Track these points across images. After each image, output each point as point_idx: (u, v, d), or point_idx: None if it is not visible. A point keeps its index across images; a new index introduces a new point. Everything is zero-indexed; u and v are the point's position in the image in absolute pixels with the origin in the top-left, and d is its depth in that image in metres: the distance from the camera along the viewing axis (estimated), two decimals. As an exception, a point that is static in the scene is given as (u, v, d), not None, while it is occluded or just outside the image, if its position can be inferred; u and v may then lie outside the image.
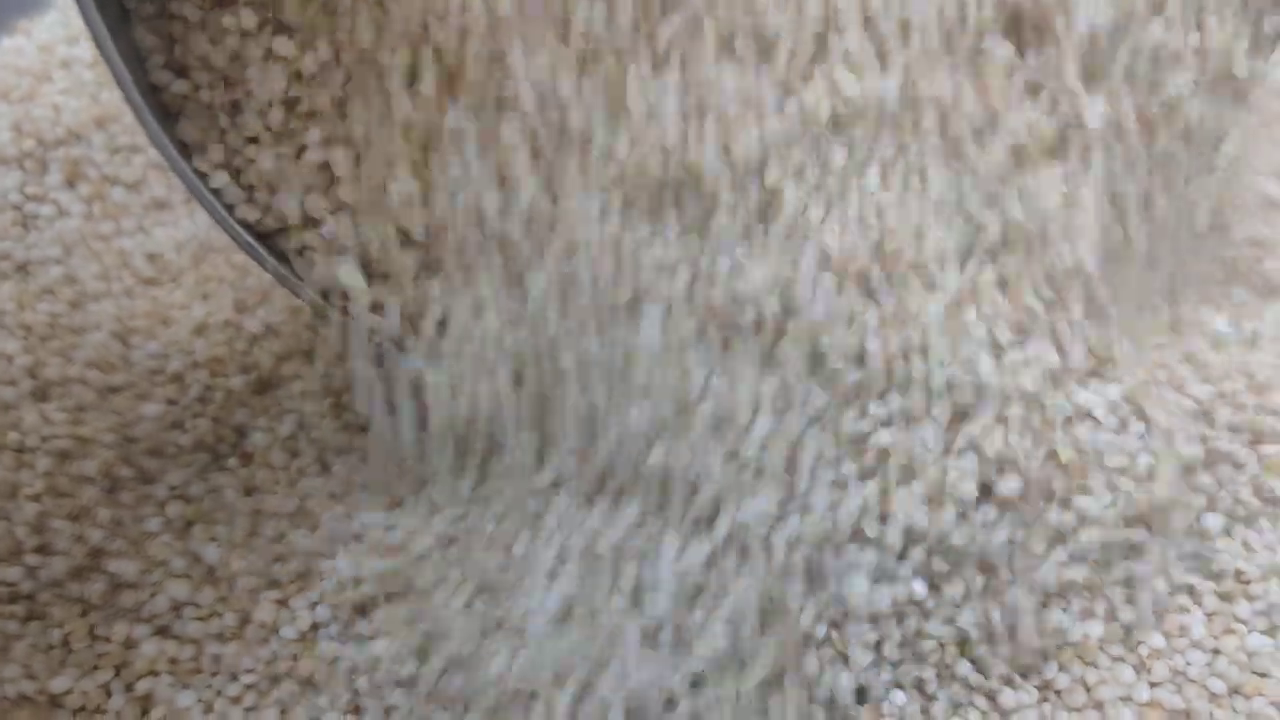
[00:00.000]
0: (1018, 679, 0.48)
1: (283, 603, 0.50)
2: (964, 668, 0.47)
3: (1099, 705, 0.48)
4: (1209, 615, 0.50)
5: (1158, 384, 0.51)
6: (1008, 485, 0.45)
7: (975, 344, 0.45)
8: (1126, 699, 0.48)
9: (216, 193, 0.45)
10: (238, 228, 0.46)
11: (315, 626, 0.50)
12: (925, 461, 0.45)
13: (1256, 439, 0.51)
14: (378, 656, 0.47)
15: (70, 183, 0.66)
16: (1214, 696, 0.49)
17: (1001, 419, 0.46)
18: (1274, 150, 0.70)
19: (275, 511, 0.53)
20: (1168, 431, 0.48)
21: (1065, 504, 0.47)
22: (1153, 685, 0.49)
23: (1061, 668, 0.48)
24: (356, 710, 0.48)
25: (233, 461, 0.55)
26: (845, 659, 0.45)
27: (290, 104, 0.46)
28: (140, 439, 0.55)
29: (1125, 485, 0.47)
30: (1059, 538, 0.47)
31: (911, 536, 0.45)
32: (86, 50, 0.71)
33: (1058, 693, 0.48)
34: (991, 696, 0.47)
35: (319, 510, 0.52)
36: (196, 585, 0.51)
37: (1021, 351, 0.46)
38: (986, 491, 0.46)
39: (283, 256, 0.48)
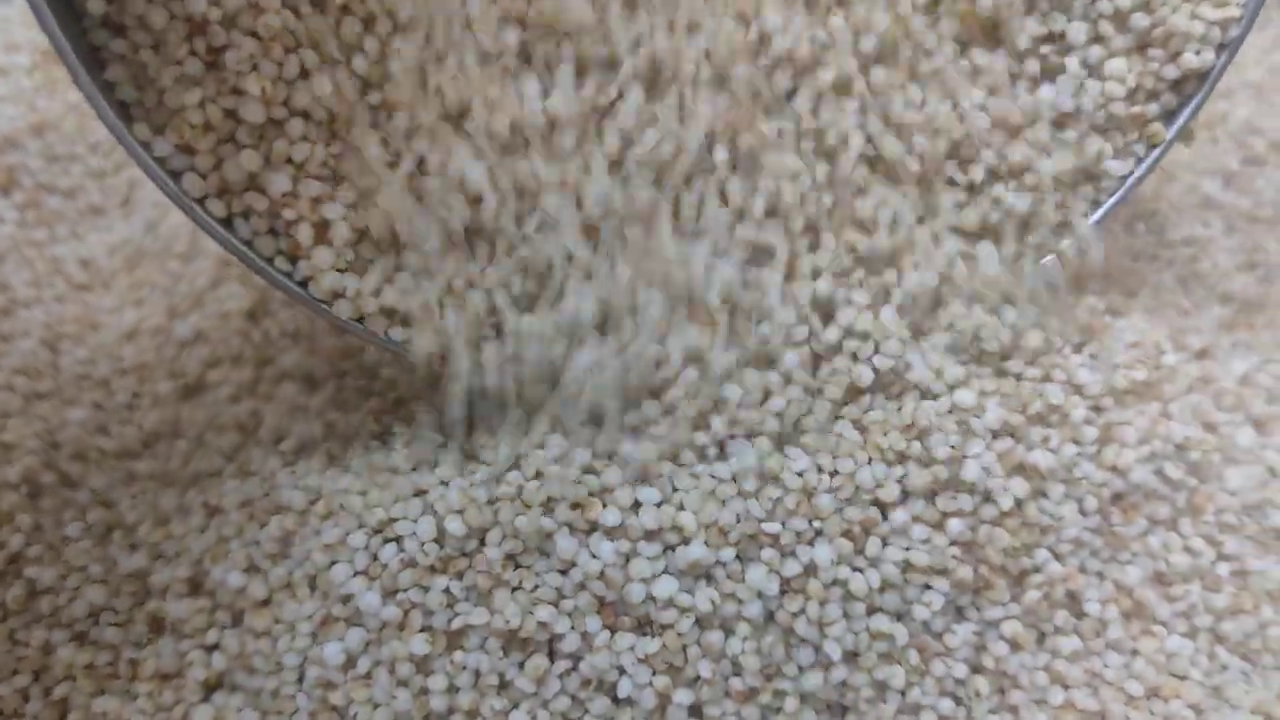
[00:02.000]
0: (930, 681, 0.47)
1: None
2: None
3: (1014, 709, 0.48)
4: (1127, 616, 0.50)
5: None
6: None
7: None
8: (1041, 702, 0.48)
9: (161, 161, 0.44)
10: (197, 208, 0.45)
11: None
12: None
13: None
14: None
15: (4, 190, 0.66)
16: (1131, 699, 0.49)
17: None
18: (1214, 150, 0.70)
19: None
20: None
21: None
22: (1067, 688, 0.48)
23: (976, 670, 0.48)
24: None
25: (155, 466, 0.55)
26: None
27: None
28: (64, 444, 0.55)
29: None
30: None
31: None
32: (25, 58, 0.71)
33: (977, 693, 0.48)
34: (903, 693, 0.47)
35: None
36: (114, 591, 0.51)
37: None
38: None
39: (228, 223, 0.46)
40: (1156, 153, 0.51)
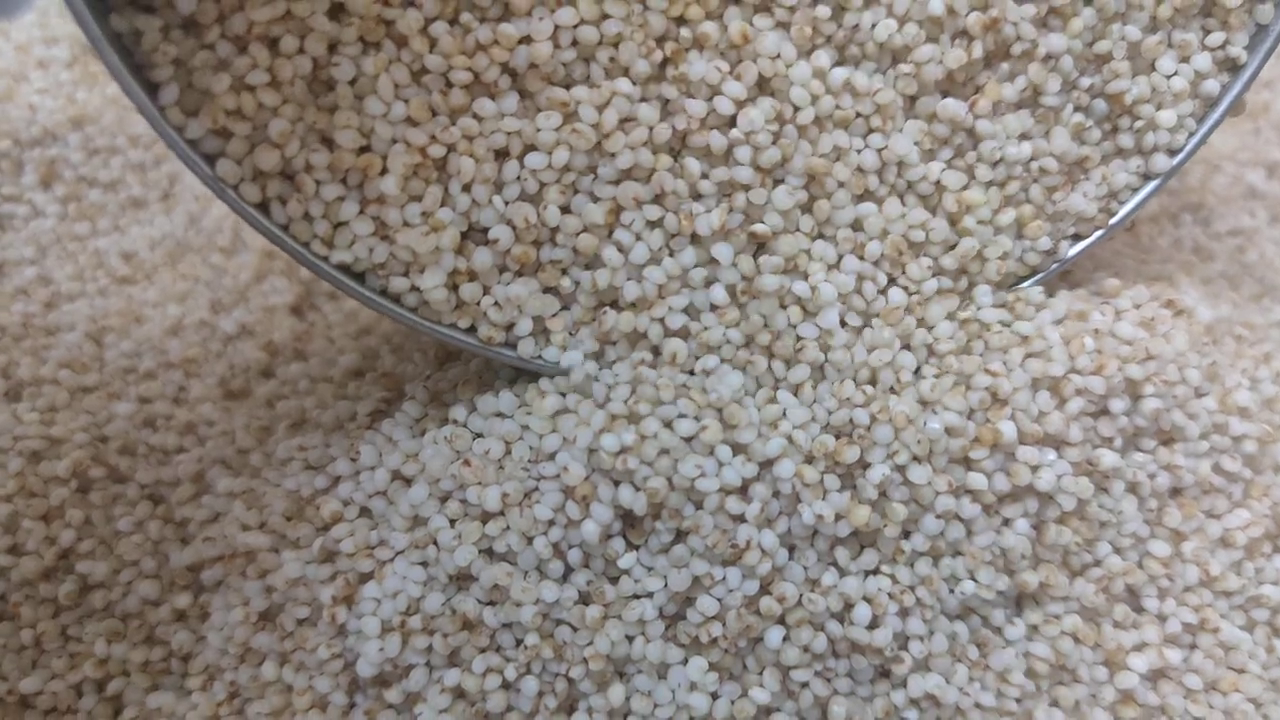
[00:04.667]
0: (990, 675, 0.47)
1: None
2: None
3: (1074, 703, 0.48)
4: (1183, 608, 0.50)
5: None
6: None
7: None
8: (1100, 695, 0.48)
9: (193, 144, 0.42)
10: (231, 193, 0.43)
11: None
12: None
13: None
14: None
15: (46, 183, 0.66)
16: (1190, 692, 0.49)
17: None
18: (1257, 141, 0.70)
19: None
20: None
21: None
22: (1127, 681, 0.48)
23: (1035, 663, 0.48)
24: (323, 707, 0.47)
25: (204, 460, 0.54)
26: None
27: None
28: (112, 438, 0.54)
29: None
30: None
31: None
32: (64, 51, 0.71)
33: (1037, 686, 0.48)
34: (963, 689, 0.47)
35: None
36: (166, 586, 0.51)
37: None
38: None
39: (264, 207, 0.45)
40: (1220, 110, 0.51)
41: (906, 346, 0.48)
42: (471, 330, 0.48)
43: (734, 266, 0.46)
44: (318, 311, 0.61)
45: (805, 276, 0.47)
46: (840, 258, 0.48)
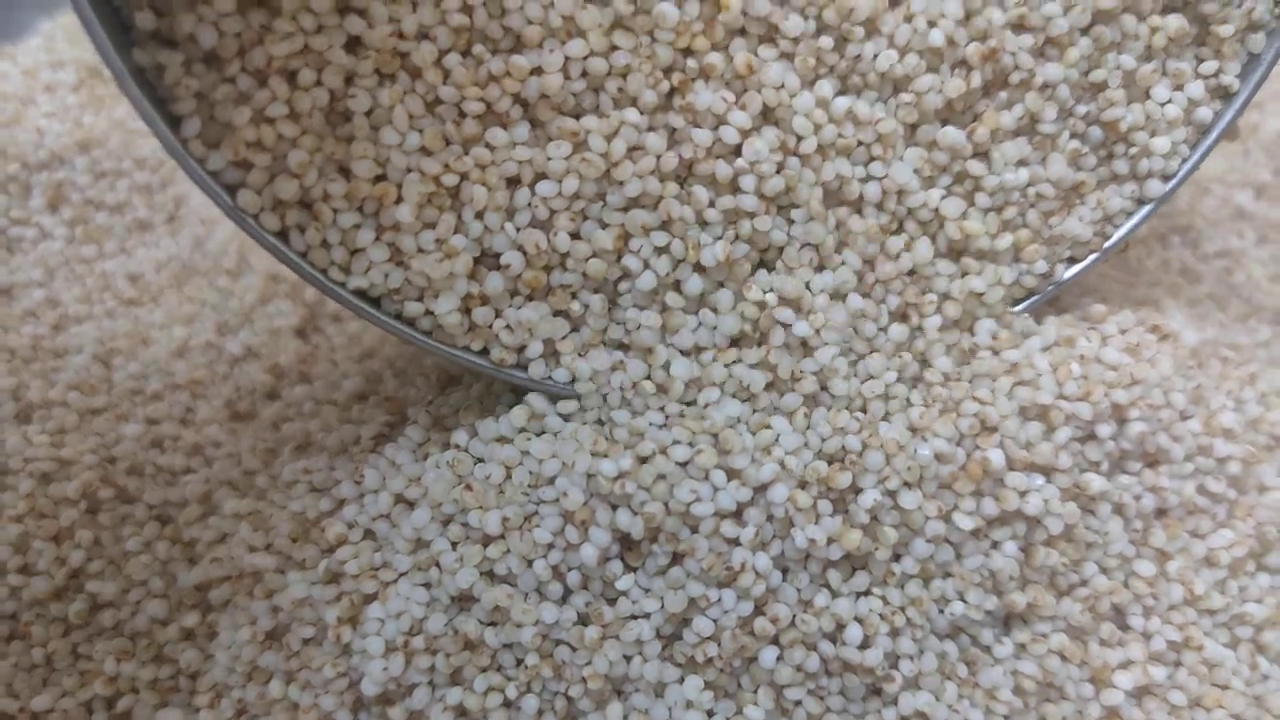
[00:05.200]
0: (979, 693, 0.48)
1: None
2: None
3: None
4: (1168, 626, 0.51)
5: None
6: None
7: None
8: (1086, 712, 0.49)
9: (215, 175, 0.44)
10: (251, 222, 0.45)
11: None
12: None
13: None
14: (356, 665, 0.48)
15: (53, 206, 0.67)
16: (1174, 709, 0.50)
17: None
18: (1245, 163, 0.71)
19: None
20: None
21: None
22: (1112, 699, 0.49)
23: (1023, 681, 0.49)
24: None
25: (211, 481, 0.56)
26: None
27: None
28: (120, 459, 0.56)
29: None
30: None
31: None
32: (70, 75, 0.72)
33: (1024, 704, 0.49)
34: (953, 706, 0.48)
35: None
36: (175, 605, 0.52)
37: None
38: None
39: (283, 235, 0.46)
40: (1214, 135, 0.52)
41: (899, 377, 0.49)
42: (484, 353, 0.49)
43: (735, 311, 0.48)
44: (322, 334, 0.62)
45: (809, 314, 0.48)
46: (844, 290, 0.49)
